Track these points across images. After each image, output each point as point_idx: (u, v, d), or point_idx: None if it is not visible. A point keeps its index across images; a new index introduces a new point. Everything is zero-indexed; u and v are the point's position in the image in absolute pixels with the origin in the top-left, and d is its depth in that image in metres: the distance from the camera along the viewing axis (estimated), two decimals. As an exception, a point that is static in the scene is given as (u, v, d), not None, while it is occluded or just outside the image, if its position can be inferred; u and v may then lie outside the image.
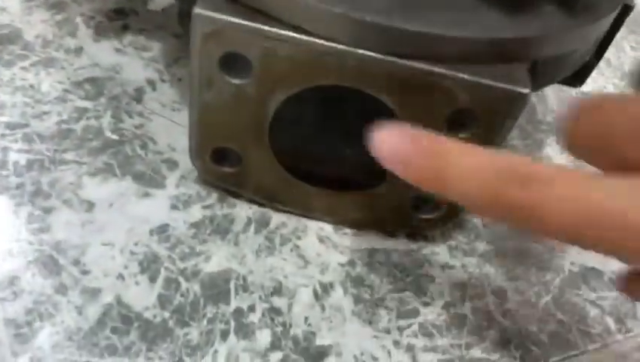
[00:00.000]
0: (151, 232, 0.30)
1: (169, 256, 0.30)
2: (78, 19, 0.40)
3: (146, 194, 0.32)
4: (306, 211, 0.32)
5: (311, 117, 0.30)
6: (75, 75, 0.37)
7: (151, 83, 0.37)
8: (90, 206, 0.31)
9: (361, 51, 0.25)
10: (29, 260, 0.28)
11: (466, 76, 0.25)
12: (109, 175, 0.32)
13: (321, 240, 0.32)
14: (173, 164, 0.33)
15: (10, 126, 0.33)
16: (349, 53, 0.25)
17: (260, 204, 0.33)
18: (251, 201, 0.33)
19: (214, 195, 0.33)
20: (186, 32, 0.40)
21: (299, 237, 0.32)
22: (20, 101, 0.35)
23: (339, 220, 0.33)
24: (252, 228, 0.32)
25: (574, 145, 0.21)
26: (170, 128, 0.35)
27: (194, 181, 0.33)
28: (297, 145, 0.30)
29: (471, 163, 0.20)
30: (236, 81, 0.27)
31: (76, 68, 0.37)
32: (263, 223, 0.32)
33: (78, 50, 0.38)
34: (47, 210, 0.30)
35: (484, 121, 0.26)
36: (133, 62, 0.38)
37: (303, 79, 0.26)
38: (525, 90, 0.25)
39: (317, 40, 0.25)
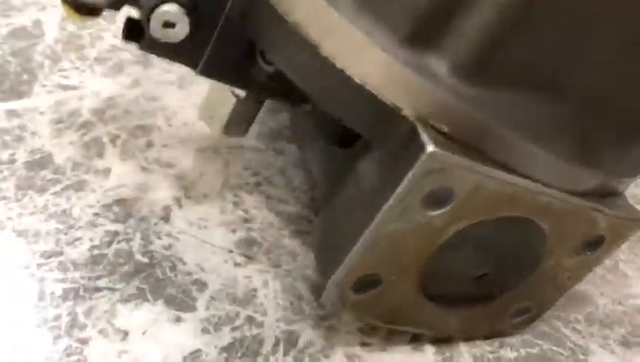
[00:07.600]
0: (184, 359, 0.31)
1: (203, 384, 0.31)
2: (105, 139, 0.42)
3: (178, 319, 0.33)
4: (418, 328, 0.33)
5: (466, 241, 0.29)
6: (105, 197, 0.38)
7: (177, 201, 0.39)
8: (124, 335, 0.32)
9: (552, 191, 0.27)
10: (69, 396, 0.29)
11: (614, 213, 0.28)
12: (141, 301, 0.33)
13: (349, 357, 0.33)
14: (202, 285, 0.35)
15: (46, 255, 0.35)
16: (544, 192, 0.27)
17: (287, 322, 0.34)
18: (277, 320, 0.34)
19: (242, 315, 0.34)
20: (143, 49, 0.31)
21: (327, 356, 0.33)
22: (53, 228, 0.36)
23: (443, 333, 0.33)
24: (281, 348, 0.33)
25: None
26: (198, 247, 0.36)
27: (222, 301, 0.34)
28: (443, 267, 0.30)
29: None
30: (431, 213, 0.26)
31: (105, 190, 0.39)
32: (291, 342, 0.33)
33: (107, 171, 0.40)
34: (84, 341, 0.31)
35: (608, 243, 0.30)
36: (159, 180, 0.40)
37: (492, 211, 0.27)
38: None
39: (524, 179, 0.26)
